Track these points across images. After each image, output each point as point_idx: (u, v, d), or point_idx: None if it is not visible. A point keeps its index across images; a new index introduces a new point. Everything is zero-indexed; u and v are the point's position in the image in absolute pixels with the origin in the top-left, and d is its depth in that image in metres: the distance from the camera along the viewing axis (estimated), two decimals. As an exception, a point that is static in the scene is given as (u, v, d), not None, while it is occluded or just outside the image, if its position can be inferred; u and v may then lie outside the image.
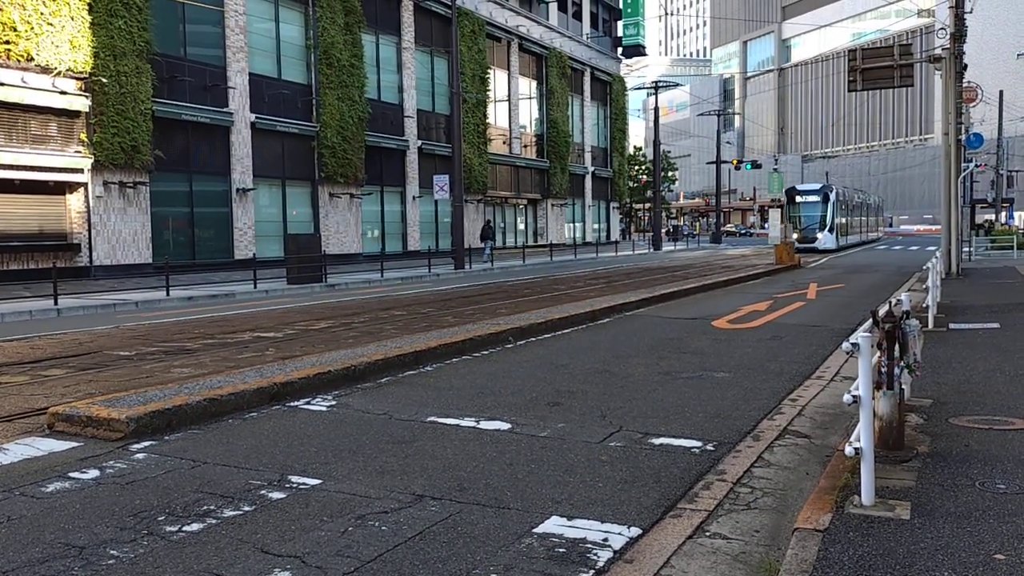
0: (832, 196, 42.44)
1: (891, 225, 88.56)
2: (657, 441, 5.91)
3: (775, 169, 34.00)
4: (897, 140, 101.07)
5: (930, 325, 11.15)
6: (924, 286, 15.24)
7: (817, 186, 44.63)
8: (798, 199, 43.15)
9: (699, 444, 5.85)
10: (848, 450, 4.25)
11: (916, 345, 5.62)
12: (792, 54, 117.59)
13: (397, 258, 32.93)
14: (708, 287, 19.64)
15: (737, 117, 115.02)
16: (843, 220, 45.01)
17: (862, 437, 4.23)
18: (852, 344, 4.27)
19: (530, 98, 46.00)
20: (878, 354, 5.03)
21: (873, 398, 4.49)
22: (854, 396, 4.27)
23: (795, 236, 38.07)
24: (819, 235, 41.42)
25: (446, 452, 5.66)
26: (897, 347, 5.12)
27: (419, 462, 5.41)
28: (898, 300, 5.68)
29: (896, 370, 5.10)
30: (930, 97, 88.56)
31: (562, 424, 6.42)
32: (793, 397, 7.46)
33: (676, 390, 7.79)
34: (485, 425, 6.41)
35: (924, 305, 12.29)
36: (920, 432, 5.70)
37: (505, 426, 6.37)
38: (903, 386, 5.51)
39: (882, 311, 5.23)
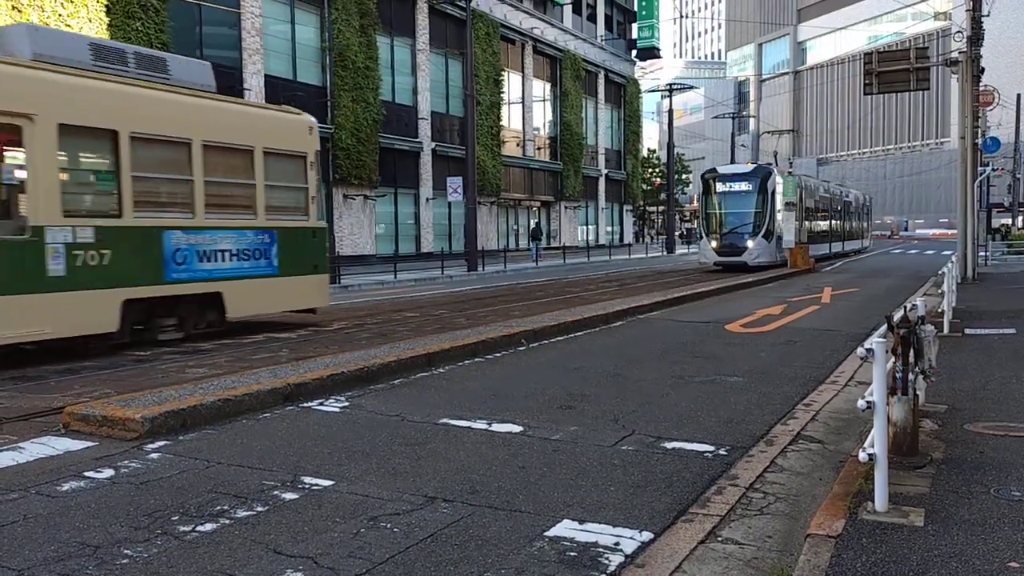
0: (772, 184, 28.28)
1: (907, 229, 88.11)
2: (670, 445, 5.90)
3: (790, 172, 33.12)
4: (913, 143, 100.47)
5: (945, 330, 11.08)
6: (940, 291, 15.16)
7: (748, 168, 29.73)
8: (719, 187, 28.76)
9: (712, 449, 5.83)
10: (862, 456, 4.23)
11: (931, 351, 5.59)
12: (807, 57, 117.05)
13: (410, 260, 32.99)
14: (722, 290, 19.57)
15: (752, 120, 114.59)
16: (794, 222, 31.46)
17: (876, 443, 4.21)
18: (867, 350, 4.25)
19: (544, 100, 46.01)
20: (893, 359, 5.00)
21: (887, 404, 4.47)
22: (868, 402, 4.25)
23: (712, 245, 28.67)
24: (749, 243, 27.61)
25: (458, 454, 5.66)
26: (912, 353, 5.09)
27: (431, 464, 5.42)
28: (913, 305, 5.65)
29: (911, 376, 5.07)
30: (946, 101, 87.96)
31: (574, 427, 6.42)
32: (807, 402, 7.43)
33: (689, 394, 7.77)
34: (497, 428, 6.41)
35: (940, 310, 12.22)
36: (935, 438, 5.67)
37: (517, 429, 6.37)
38: (918, 392, 5.48)
39: (897, 316, 5.21)
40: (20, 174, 9.27)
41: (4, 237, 9.11)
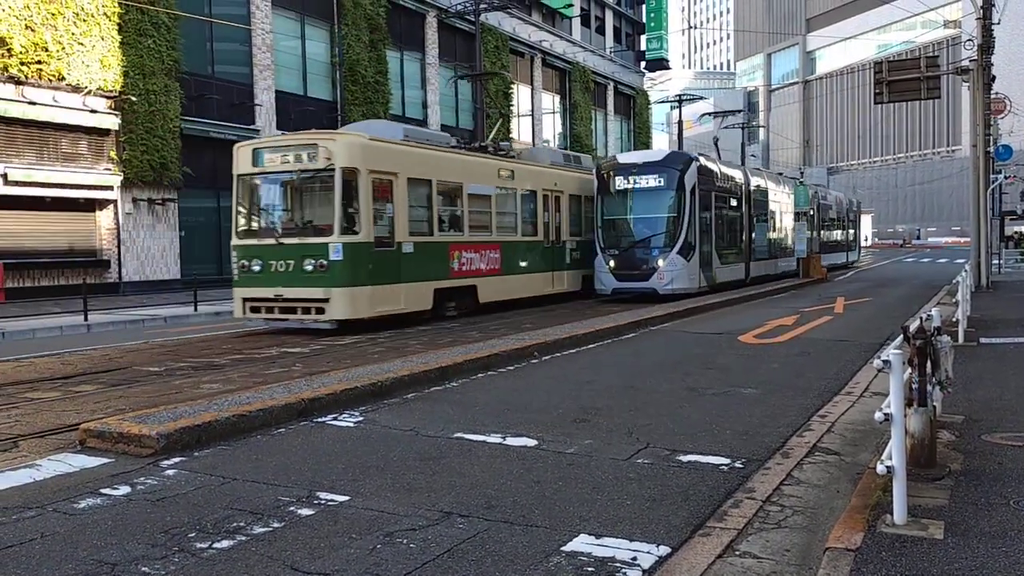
0: (691, 177, 20.53)
1: (919, 237, 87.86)
2: (685, 458, 5.88)
3: (801, 182, 32.66)
4: (924, 152, 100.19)
5: (960, 340, 11.01)
6: (954, 300, 15.07)
7: (658, 155, 21.89)
8: (619, 182, 20.87)
9: (727, 461, 5.80)
10: (880, 468, 4.21)
11: (948, 361, 5.56)
12: (817, 66, 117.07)
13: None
14: (733, 301, 19.52)
15: (761, 130, 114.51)
16: (729, 233, 23.52)
17: (894, 455, 4.19)
18: (883, 361, 4.23)
19: (553, 112, 46.09)
20: (909, 371, 4.97)
21: (904, 415, 4.44)
22: (885, 414, 4.23)
23: (609, 265, 20.60)
24: (659, 261, 20.07)
25: (473, 469, 5.66)
26: (928, 363, 5.06)
27: (446, 479, 5.42)
28: (928, 315, 5.62)
29: (928, 387, 5.04)
30: (957, 109, 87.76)
31: (589, 441, 6.40)
32: (822, 413, 7.38)
33: (703, 406, 7.74)
34: (512, 441, 6.40)
35: (954, 319, 12.15)
36: (952, 449, 5.63)
37: (531, 442, 6.36)
38: (934, 403, 5.45)
39: (913, 327, 5.18)
40: (559, 217, 20.53)
41: (544, 246, 19.98)
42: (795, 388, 8.68)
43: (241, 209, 14.88)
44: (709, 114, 37.88)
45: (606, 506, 4.84)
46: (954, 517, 4.27)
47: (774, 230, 28.08)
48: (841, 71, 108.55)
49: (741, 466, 5.69)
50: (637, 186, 20.63)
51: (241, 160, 14.86)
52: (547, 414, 7.42)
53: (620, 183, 20.84)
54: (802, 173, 38.18)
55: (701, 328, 14.45)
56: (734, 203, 24.01)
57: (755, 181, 26.28)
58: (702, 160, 21.74)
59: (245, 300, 14.63)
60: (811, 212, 31.37)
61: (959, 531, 4.07)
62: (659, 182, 20.49)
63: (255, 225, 14.98)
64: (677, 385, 8.89)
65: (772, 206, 27.87)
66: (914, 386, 4.96)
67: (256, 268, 14.29)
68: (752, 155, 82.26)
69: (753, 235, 25.57)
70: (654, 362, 10.73)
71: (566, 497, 5.01)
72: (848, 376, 9.37)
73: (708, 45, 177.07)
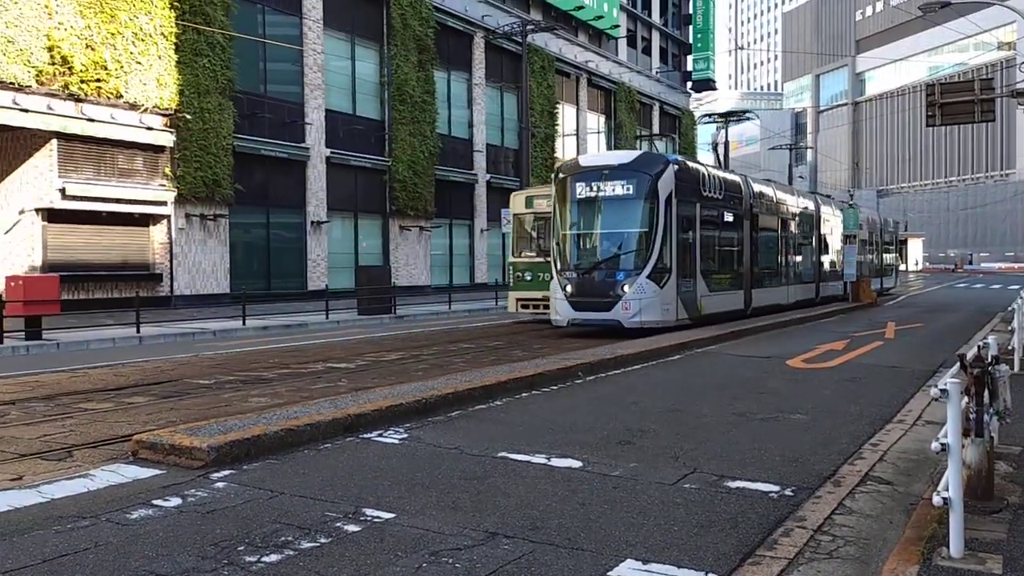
0: (667, 183, 16.76)
1: (971, 262, 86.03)
2: (733, 484, 5.80)
3: (851, 205, 31.88)
4: (976, 175, 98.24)
5: (1016, 368, 10.73)
6: (1009, 327, 14.71)
7: (627, 157, 17.79)
8: (580, 190, 17.20)
9: (777, 489, 5.71)
10: (936, 499, 4.11)
11: (1006, 391, 5.43)
12: (867, 87, 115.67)
13: (465, 290, 33.20)
14: (782, 324, 19.27)
15: (809, 151, 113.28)
16: (722, 253, 19.73)
17: (951, 486, 4.09)
18: (941, 390, 4.15)
19: (598, 132, 46.15)
20: (966, 400, 4.86)
21: (961, 445, 4.34)
22: (942, 443, 4.14)
23: (566, 290, 17.01)
24: (625, 287, 16.41)
25: (518, 489, 5.64)
26: (986, 393, 4.95)
27: (491, 499, 5.41)
28: (985, 343, 5.50)
29: (985, 417, 4.92)
30: (1011, 131, 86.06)
31: (634, 464, 6.35)
32: (874, 441, 7.23)
33: (751, 432, 7.64)
34: (556, 462, 6.37)
35: (1010, 347, 11.86)
36: (1010, 482, 5.48)
37: (576, 464, 6.33)
38: (992, 433, 5.31)
39: (969, 355, 5.07)
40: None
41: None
42: (846, 414, 8.53)
43: (517, 237, 21.29)
44: (707, 114, 34.31)
45: (653, 531, 4.79)
46: (1013, 552, 4.16)
47: (788, 251, 24.25)
48: (892, 93, 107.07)
49: (791, 494, 5.59)
50: (601, 194, 16.91)
51: (516, 203, 21.47)
52: (592, 435, 7.38)
53: (581, 191, 17.09)
54: (851, 195, 37.67)
55: (748, 351, 14.28)
56: (730, 217, 20.15)
57: (760, 191, 22.24)
58: (683, 163, 18.21)
59: (518, 300, 20.67)
60: (832, 232, 29.64)
61: (1019, 566, 3.96)
62: (627, 190, 16.75)
63: (526, 248, 21.07)
64: (724, 409, 8.79)
65: (785, 223, 24.13)
66: (971, 416, 4.85)
67: (527, 278, 20.31)
68: (800, 176, 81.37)
69: (757, 256, 21.62)
70: (700, 385, 10.63)
71: (612, 521, 4.97)
72: (900, 403, 9.17)
73: (755, 66, 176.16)
